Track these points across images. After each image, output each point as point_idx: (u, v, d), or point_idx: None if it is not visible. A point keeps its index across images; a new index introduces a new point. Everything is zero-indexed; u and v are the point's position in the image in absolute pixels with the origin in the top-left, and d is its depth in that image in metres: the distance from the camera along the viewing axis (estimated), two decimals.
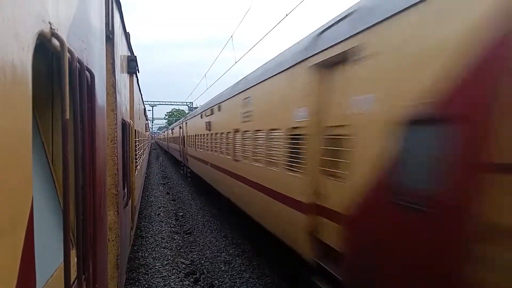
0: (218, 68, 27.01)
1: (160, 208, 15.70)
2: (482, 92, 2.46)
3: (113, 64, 3.71)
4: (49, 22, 1.34)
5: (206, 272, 8.47)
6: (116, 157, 3.69)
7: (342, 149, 4.21)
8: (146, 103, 61.36)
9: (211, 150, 13.32)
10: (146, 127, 22.21)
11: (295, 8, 10.41)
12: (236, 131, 9.51)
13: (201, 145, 15.89)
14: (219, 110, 12.23)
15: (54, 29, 1.37)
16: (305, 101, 5.18)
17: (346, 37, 4.13)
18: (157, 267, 8.73)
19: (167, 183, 24.24)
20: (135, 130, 7.53)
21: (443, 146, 2.68)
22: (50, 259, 1.61)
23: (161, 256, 9.55)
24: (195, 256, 9.64)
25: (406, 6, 3.18)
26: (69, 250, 1.46)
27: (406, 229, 3.06)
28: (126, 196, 5.17)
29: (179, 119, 44.45)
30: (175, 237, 11.29)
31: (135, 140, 7.62)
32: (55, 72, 1.89)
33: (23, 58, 1.09)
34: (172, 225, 12.76)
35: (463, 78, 2.57)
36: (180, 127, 27.38)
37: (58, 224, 1.77)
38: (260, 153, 7.51)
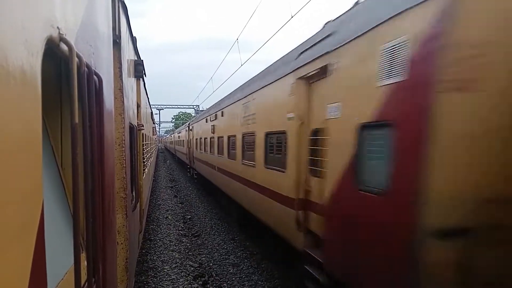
0: (224, 70, 27.07)
1: (168, 211, 15.75)
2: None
3: (120, 68, 3.73)
4: (58, 27, 1.35)
5: (214, 275, 8.47)
6: (124, 161, 3.71)
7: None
8: (153, 106, 61.57)
9: None
10: (153, 131, 22.32)
11: (300, 9, 10.41)
12: None
13: None
14: None
15: (62, 34, 1.38)
16: None
17: None
18: (165, 270, 8.75)
19: (174, 186, 24.31)
20: (143, 134, 7.57)
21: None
22: (60, 263, 1.62)
23: (170, 259, 9.57)
24: (204, 259, 9.64)
25: None
26: (79, 254, 1.47)
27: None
28: (134, 199, 5.19)
29: (186, 122, 39.69)
30: (183, 240, 11.31)
31: (143, 144, 7.66)
32: (63, 77, 1.90)
33: (33, 63, 1.10)
34: (180, 228, 12.78)
35: None
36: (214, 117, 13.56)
37: (68, 227, 1.78)
38: None
